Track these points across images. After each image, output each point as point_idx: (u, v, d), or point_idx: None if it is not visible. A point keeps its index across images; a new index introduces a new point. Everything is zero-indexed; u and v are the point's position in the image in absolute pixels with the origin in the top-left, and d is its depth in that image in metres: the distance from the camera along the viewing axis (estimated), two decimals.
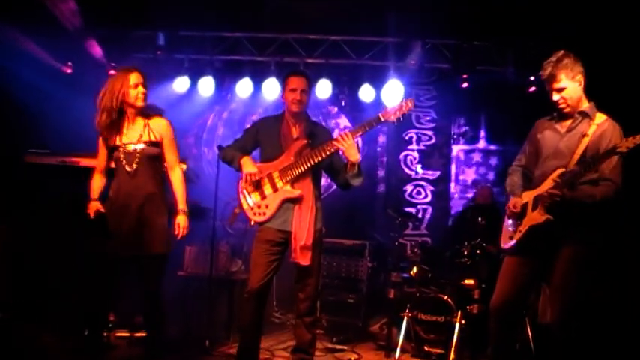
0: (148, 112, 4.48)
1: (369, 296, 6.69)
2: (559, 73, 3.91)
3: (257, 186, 4.65)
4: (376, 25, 7.44)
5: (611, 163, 3.86)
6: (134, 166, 4.35)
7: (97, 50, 7.24)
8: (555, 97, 3.99)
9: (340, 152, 4.56)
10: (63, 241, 5.54)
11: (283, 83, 4.77)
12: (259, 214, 4.65)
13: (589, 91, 4.09)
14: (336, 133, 5.66)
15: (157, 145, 4.44)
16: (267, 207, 4.62)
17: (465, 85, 7.47)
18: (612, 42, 6.18)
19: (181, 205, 4.49)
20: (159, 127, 4.48)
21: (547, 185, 3.96)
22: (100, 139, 4.47)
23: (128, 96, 4.36)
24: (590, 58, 4.10)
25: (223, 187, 5.68)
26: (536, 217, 3.99)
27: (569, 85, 3.94)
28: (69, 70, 7.52)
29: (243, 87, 7.82)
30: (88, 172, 4.65)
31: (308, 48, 7.77)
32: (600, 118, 3.98)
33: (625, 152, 3.70)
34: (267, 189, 4.64)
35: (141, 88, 4.39)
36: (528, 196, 4.11)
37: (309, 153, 4.58)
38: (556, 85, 3.95)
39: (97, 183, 4.51)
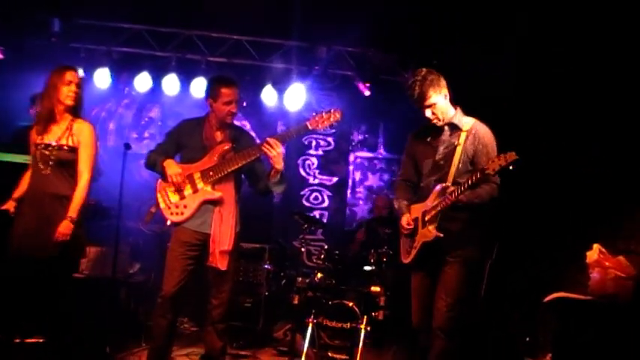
0: (75, 113, 4.42)
1: (268, 301, 6.61)
2: (427, 90, 3.99)
3: (177, 186, 4.49)
4: (281, 28, 7.38)
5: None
6: (48, 169, 4.29)
7: None
8: (428, 113, 4.07)
9: (266, 158, 4.48)
10: None
11: (213, 91, 4.62)
12: (177, 213, 4.50)
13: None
14: None
15: (73, 150, 4.35)
16: (185, 207, 4.49)
17: (367, 93, 7.58)
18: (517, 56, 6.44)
19: (72, 212, 4.27)
20: (79, 131, 4.38)
21: (431, 200, 4.03)
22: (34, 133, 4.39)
23: (60, 93, 4.31)
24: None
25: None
26: (425, 233, 4.03)
27: (438, 101, 4.03)
28: None
29: (142, 81, 7.57)
30: None
31: (210, 46, 7.61)
32: (468, 123, 4.10)
33: (493, 174, 3.72)
34: (187, 189, 4.50)
35: (73, 87, 4.36)
36: (417, 211, 4.15)
37: (232, 156, 4.50)
38: (426, 103, 4.03)
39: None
